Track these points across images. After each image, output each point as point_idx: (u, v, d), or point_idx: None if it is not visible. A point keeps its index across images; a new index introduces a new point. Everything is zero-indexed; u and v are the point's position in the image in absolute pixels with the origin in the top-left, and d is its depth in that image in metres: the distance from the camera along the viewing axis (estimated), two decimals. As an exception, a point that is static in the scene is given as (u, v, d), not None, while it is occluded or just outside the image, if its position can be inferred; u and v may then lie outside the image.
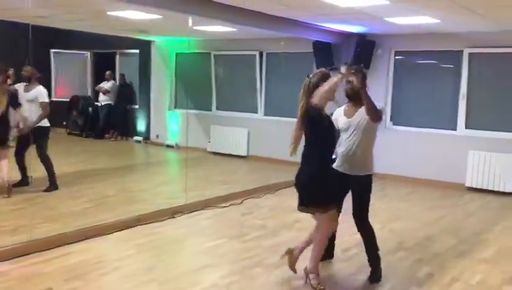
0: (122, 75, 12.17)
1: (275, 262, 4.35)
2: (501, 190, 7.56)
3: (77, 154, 9.93)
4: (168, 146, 11.21)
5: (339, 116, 4.05)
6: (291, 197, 6.89)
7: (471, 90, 7.96)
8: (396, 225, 5.74)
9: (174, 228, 5.33)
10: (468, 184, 7.80)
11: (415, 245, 5.01)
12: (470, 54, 7.87)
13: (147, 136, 11.78)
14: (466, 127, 8.02)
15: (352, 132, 3.92)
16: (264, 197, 6.88)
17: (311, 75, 3.74)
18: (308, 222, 5.65)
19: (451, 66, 8.18)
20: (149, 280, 3.89)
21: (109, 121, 12.02)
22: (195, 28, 8.07)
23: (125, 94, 12.05)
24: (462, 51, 7.93)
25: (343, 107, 4.09)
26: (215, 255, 4.50)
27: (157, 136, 11.62)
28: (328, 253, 4.28)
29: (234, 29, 8.50)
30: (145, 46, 11.56)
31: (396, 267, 4.37)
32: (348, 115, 3.98)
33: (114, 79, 12.24)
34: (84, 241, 4.69)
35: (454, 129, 8.10)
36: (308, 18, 7.34)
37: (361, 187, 3.98)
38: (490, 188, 7.64)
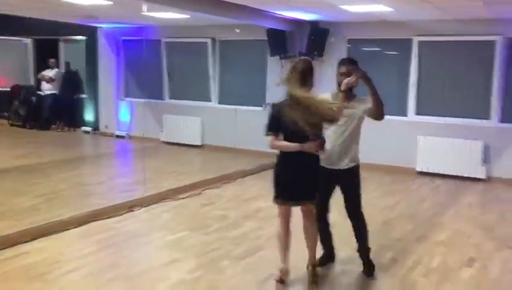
0: (67, 63, 11.67)
1: (242, 253, 4.33)
2: (450, 173, 7.88)
3: (22, 147, 9.45)
4: (119, 136, 10.89)
5: None
6: (251, 186, 6.94)
7: (420, 77, 8.19)
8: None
9: (134, 222, 5.18)
10: (418, 169, 8.06)
11: (376, 231, 5.07)
12: (420, 42, 8.08)
13: (95, 127, 11.38)
14: (416, 114, 8.27)
15: (344, 124, 3.76)
16: (222, 187, 6.81)
17: (296, 60, 3.65)
18: (269, 210, 5.69)
19: (402, 54, 8.36)
20: (113, 277, 3.75)
21: (55, 111, 11.52)
22: (146, 14, 7.81)
23: (71, 83, 11.57)
24: (411, 39, 8.13)
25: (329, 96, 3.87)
26: (179, 249, 4.40)
27: (106, 127, 11.25)
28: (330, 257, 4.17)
29: (187, 16, 8.31)
30: (91, 33, 11.11)
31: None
32: None
33: (58, 67, 11.71)
34: (40, 239, 4.47)
35: (405, 115, 8.33)
36: (262, 5, 7.27)
37: (355, 177, 3.87)
38: (439, 172, 7.94)
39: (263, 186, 6.93)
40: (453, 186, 7.37)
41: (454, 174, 7.85)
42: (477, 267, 4.18)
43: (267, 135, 3.58)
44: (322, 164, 3.69)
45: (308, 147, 3.45)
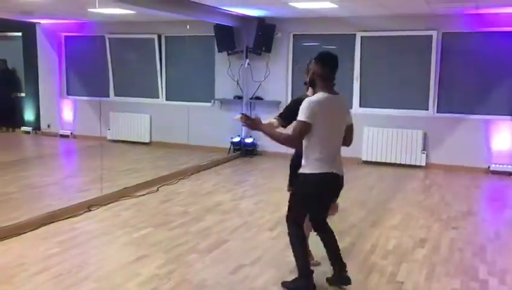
0: (3, 61, 11.16)
1: (208, 246, 4.42)
2: (393, 161, 8.33)
3: (-42, 150, 9.00)
4: (63, 136, 10.58)
5: None
6: (207, 181, 7.03)
7: (363, 71, 8.57)
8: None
9: (95, 221, 5.13)
10: (364, 158, 8.46)
11: (332, 218, 5.35)
12: (362, 38, 8.45)
13: (36, 126, 10.99)
14: (360, 106, 8.65)
15: None
16: (178, 183, 6.85)
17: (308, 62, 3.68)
18: (229, 204, 5.82)
19: (346, 49, 8.69)
20: (83, 277, 3.73)
21: (-9, 111, 11.00)
22: (92, 10, 7.66)
23: (7, 82, 11.08)
24: (355, 35, 8.49)
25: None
26: (145, 246, 4.43)
27: (48, 126, 10.90)
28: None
29: (133, 12, 8.22)
30: (28, 29, 10.70)
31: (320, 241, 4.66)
32: None
33: (-7, 65, 11.18)
34: (-1, 243, 4.35)
35: (350, 108, 8.66)
36: (211, 1, 7.33)
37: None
38: (383, 160, 8.37)
39: (219, 181, 7.05)
40: (396, 174, 7.80)
41: (397, 162, 8.32)
42: (429, 248, 4.51)
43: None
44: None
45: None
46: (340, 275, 3.61)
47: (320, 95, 3.39)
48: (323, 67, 3.41)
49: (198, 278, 3.77)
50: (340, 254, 3.64)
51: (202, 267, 3.97)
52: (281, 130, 3.74)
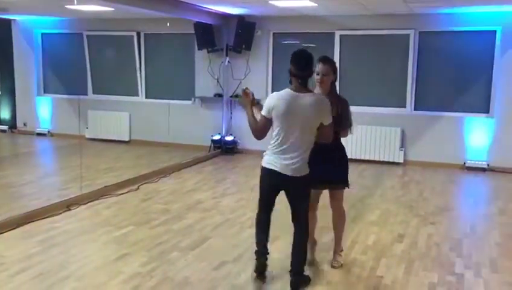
0: (-23, 58, 10.93)
1: (191, 244, 4.44)
2: (372, 158, 8.45)
3: None
4: (40, 134, 10.43)
5: None
6: (187, 179, 7.02)
7: (342, 70, 8.60)
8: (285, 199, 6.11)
9: (75, 220, 5.09)
10: (343, 155, 8.54)
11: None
12: (341, 36, 8.54)
13: (12, 125, 10.81)
14: (339, 104, 8.72)
15: None
16: (159, 181, 6.83)
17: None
18: (210, 202, 5.83)
19: (325, 47, 8.75)
20: (65, 276, 3.70)
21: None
22: (70, 7, 7.56)
23: (-18, 79, 10.88)
24: (334, 33, 8.57)
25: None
26: (127, 244, 4.42)
27: (24, 124, 10.73)
28: None
29: (111, 9, 8.14)
30: (3, 26, 10.49)
31: (302, 237, 4.72)
32: None
33: (-33, 62, 10.95)
34: (-24, 244, 4.28)
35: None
36: (190, -1, 7.32)
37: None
38: (362, 157, 8.48)
39: (200, 179, 7.06)
40: (375, 171, 7.92)
41: (376, 159, 8.44)
42: (407, 243, 4.61)
43: None
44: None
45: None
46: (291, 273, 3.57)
47: (282, 91, 3.46)
48: (291, 64, 3.43)
49: (180, 275, 3.79)
50: (297, 253, 3.57)
51: (185, 265, 3.98)
52: None
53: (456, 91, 8.15)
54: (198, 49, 9.02)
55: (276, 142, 3.44)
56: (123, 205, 5.68)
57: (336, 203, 4.09)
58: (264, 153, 3.56)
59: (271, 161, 3.48)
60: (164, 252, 4.24)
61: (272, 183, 3.55)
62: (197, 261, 4.05)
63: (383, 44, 8.43)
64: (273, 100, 3.43)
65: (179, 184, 6.70)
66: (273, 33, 9.02)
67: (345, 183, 4.02)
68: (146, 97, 9.88)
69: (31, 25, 10.41)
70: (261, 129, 3.51)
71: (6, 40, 10.56)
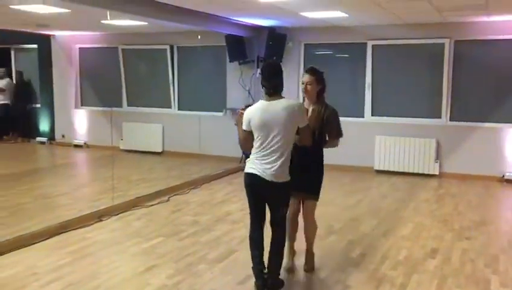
0: (20, 73, 11.39)
1: (218, 256, 4.43)
2: (406, 170, 8.27)
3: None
4: (77, 146, 10.71)
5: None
6: (218, 191, 7.04)
7: (375, 80, 8.55)
8: (320, 210, 6.02)
9: (105, 231, 5.17)
10: (376, 167, 8.40)
11: (344, 228, 5.34)
12: (374, 46, 8.44)
13: (51, 137, 11.14)
14: (372, 115, 8.61)
15: None
16: (190, 193, 6.87)
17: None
18: (239, 214, 5.82)
19: (357, 57, 8.68)
20: (94, 287, 3.76)
21: (7, 122, 11.19)
22: (106, 22, 7.76)
23: (24, 93, 11.30)
24: (366, 43, 8.48)
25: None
26: (156, 255, 4.45)
27: (63, 136, 11.04)
28: None
29: (145, 23, 8.31)
30: (43, 41, 10.88)
31: (331, 251, 4.65)
32: None
33: (10, 76, 11.38)
34: (10, 254, 4.40)
35: (362, 116, 8.66)
36: (222, 12, 7.39)
37: None
38: (396, 169, 8.31)
39: (230, 191, 7.06)
40: (409, 183, 7.73)
41: (410, 171, 8.25)
42: (440, 258, 4.46)
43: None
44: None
45: None
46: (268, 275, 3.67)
47: (257, 103, 3.63)
48: (260, 75, 3.64)
49: (206, 288, 3.78)
50: (274, 257, 3.68)
51: (211, 278, 3.98)
52: None
53: (493, 101, 7.91)
54: (230, 61, 9.09)
55: (257, 150, 3.57)
56: (153, 216, 5.74)
57: (307, 214, 4.16)
58: (247, 160, 3.68)
59: (252, 166, 3.59)
60: (191, 264, 4.25)
61: (253, 188, 3.63)
62: (223, 275, 4.04)
63: (416, 53, 8.28)
64: (249, 114, 3.59)
65: (209, 196, 6.72)
66: (305, 44, 9.00)
67: (316, 195, 4.08)
68: (179, 109, 10.01)
69: (69, 40, 10.75)
70: (244, 142, 3.71)
71: (46, 54, 10.93)
